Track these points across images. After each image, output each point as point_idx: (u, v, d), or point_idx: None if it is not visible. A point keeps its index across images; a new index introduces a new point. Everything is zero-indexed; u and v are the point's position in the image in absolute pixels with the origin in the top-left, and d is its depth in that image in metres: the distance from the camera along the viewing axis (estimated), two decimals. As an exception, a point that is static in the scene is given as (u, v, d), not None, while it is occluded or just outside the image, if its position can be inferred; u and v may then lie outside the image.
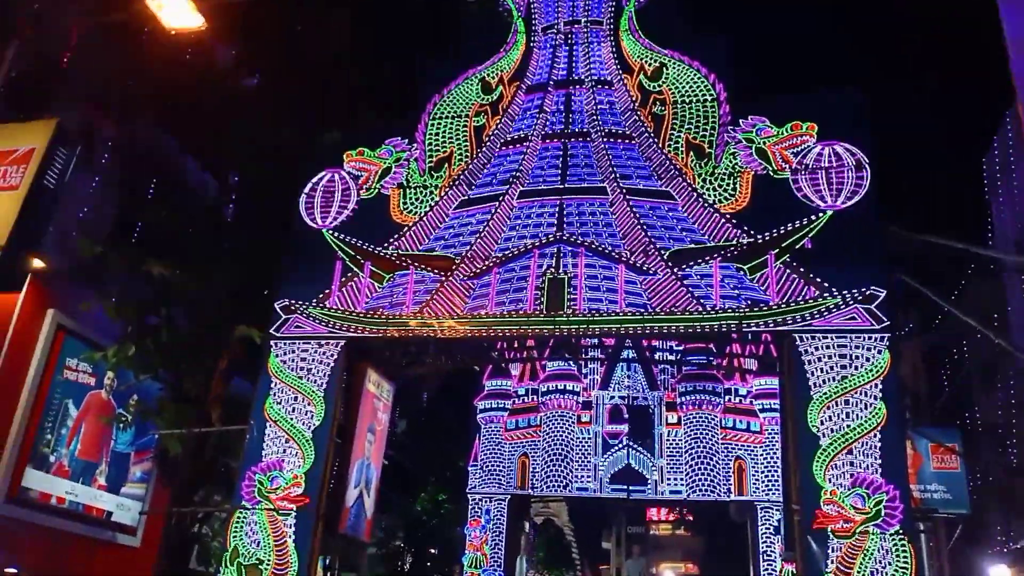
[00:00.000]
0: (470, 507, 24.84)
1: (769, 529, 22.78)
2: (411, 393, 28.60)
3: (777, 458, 22.91)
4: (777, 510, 22.68)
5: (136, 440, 17.45)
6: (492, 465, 25.10)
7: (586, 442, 24.24)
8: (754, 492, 23.08)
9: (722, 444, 23.55)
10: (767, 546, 22.82)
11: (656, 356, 22.31)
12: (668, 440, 23.83)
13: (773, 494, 22.64)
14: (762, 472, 23.19)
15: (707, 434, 23.48)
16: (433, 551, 30.24)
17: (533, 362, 23.78)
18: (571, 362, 24.13)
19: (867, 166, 13.36)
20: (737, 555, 29.44)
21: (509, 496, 24.81)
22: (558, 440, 24.16)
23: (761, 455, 23.39)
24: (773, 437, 23.07)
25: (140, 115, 16.90)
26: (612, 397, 24.62)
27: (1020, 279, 18.47)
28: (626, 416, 24.22)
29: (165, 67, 16.05)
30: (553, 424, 24.36)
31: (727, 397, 23.98)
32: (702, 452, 23.34)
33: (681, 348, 22.26)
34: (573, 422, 24.33)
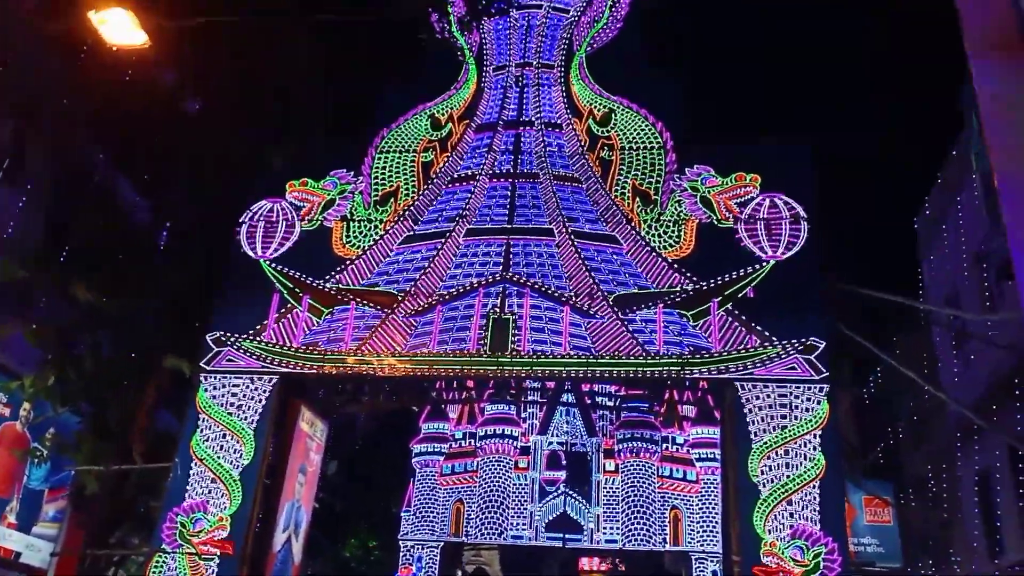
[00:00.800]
0: (401, 554, 24.07)
1: (704, 580, 22.59)
2: (344, 433, 27.81)
3: (713, 508, 22.86)
4: (712, 561, 22.53)
5: (51, 476, 16.38)
6: (426, 511, 24.42)
7: (523, 488, 23.83)
8: (689, 542, 22.92)
9: (659, 493, 23.39)
10: (701, 598, 22.60)
11: (596, 400, 22.18)
12: (605, 488, 23.59)
13: (709, 545, 22.52)
14: (698, 522, 23.07)
15: (644, 482, 23.30)
16: (361, 599, 29.21)
17: (472, 404, 23.40)
18: (511, 406, 23.82)
19: (805, 220, 13.63)
20: (670, 607, 29.19)
21: (442, 543, 24.14)
22: (495, 486, 23.68)
23: (697, 505, 23.29)
24: (709, 487, 23.03)
25: (74, 133, 16.21)
26: (551, 443, 24.32)
27: (948, 336, 18.95)
28: (564, 463, 23.92)
29: (104, 85, 15.48)
30: (490, 469, 23.89)
31: (664, 445, 23.90)
32: (639, 501, 23.13)
33: (621, 394, 22.22)
34: (510, 468, 23.90)
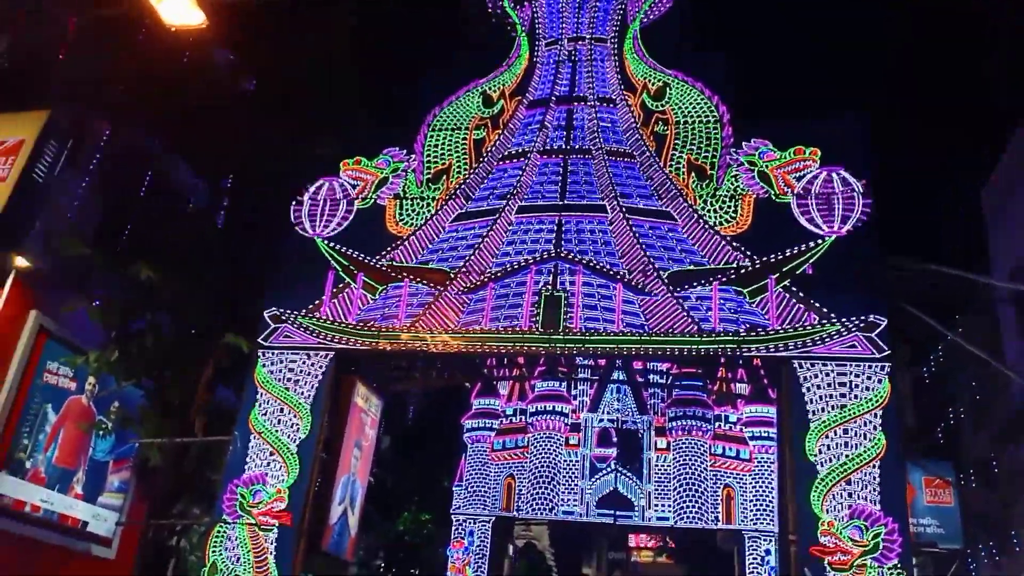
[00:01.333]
0: (453, 528, 24.34)
1: (756, 559, 22.41)
2: (397, 409, 28.15)
3: (766, 487, 22.63)
4: (765, 540, 22.34)
5: (115, 448, 16.94)
6: (478, 486, 24.63)
7: (573, 465, 23.85)
8: (742, 521, 22.73)
9: (711, 471, 23.21)
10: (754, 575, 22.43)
11: (648, 379, 22.05)
12: (656, 465, 23.49)
13: (761, 523, 22.32)
14: (751, 501, 22.85)
15: (696, 460, 23.13)
16: (414, 572, 29.67)
17: (524, 381, 23.45)
18: (561, 383, 23.82)
19: (869, 193, 13.25)
20: (720, 585, 29.06)
21: (494, 518, 24.34)
22: (545, 462, 23.75)
23: (750, 483, 23.06)
24: (763, 466, 22.80)
25: (133, 114, 16.55)
26: (601, 420, 24.27)
27: (1012, 312, 18.35)
28: (615, 440, 23.87)
29: (161, 66, 15.77)
30: (541, 445, 23.96)
31: (717, 424, 23.67)
32: (690, 479, 22.98)
33: (673, 372, 22.06)
34: (561, 444, 23.94)
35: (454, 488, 24.97)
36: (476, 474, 24.75)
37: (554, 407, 24.17)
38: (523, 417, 24.69)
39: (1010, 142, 18.52)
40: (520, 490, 24.05)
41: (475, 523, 24.38)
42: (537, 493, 23.46)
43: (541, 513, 23.81)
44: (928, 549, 14.94)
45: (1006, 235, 18.98)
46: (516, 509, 24.07)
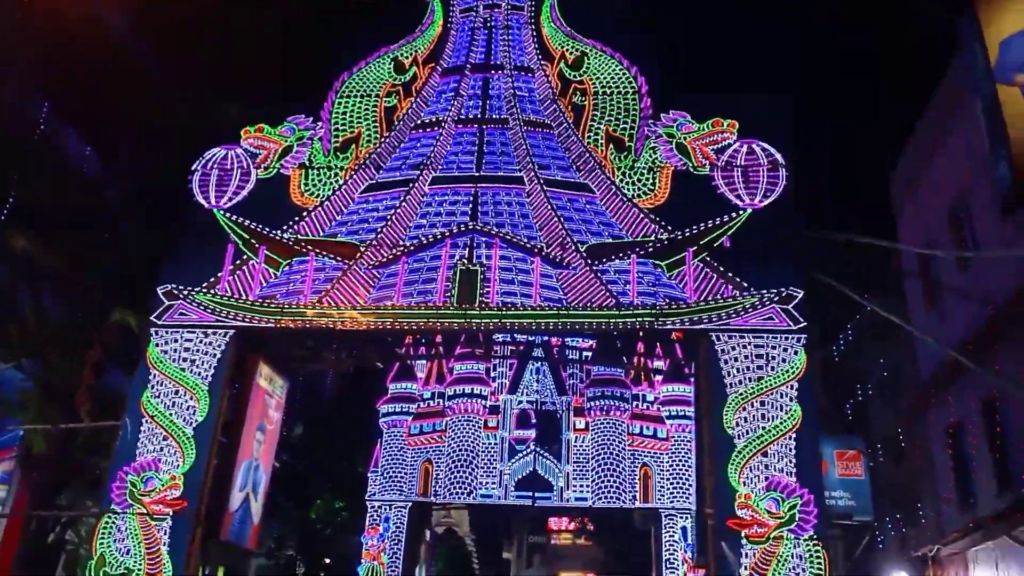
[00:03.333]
0: (368, 515, 23.65)
1: (673, 537, 22.51)
2: (309, 393, 27.22)
3: (683, 465, 22.73)
4: (682, 517, 22.45)
5: (-5, 437, 15.69)
6: (394, 471, 23.97)
7: (492, 448, 23.44)
8: (659, 499, 22.79)
9: (629, 451, 23.18)
10: (670, 554, 22.51)
11: (566, 356, 21.82)
12: (575, 446, 23.30)
13: (678, 501, 22.42)
14: (668, 479, 22.92)
15: (614, 440, 23.03)
16: (327, 561, 28.87)
17: (441, 362, 22.91)
18: (479, 364, 23.37)
19: (783, 166, 13.19)
20: (637, 564, 29.20)
21: (410, 503, 23.76)
22: (463, 445, 23.27)
23: (667, 462, 23.12)
24: (679, 444, 22.88)
25: (15, 81, 15.22)
26: (520, 401, 23.92)
27: (921, 290, 18.77)
28: (534, 421, 23.56)
29: (48, 30, 14.50)
30: (459, 429, 23.46)
31: (635, 403, 23.65)
32: (609, 459, 22.88)
33: (592, 351, 21.90)
34: (479, 427, 23.49)
35: (369, 474, 24.26)
36: (392, 459, 24.10)
37: (473, 389, 23.68)
38: (441, 400, 24.13)
39: (916, 125, 18.90)
40: (438, 474, 23.53)
41: (391, 509, 23.75)
42: (455, 477, 22.98)
43: (459, 497, 23.35)
44: (842, 521, 15.11)
45: (914, 216, 19.38)
46: (434, 494, 23.55)
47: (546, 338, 21.11)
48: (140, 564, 11.82)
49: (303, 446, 27.81)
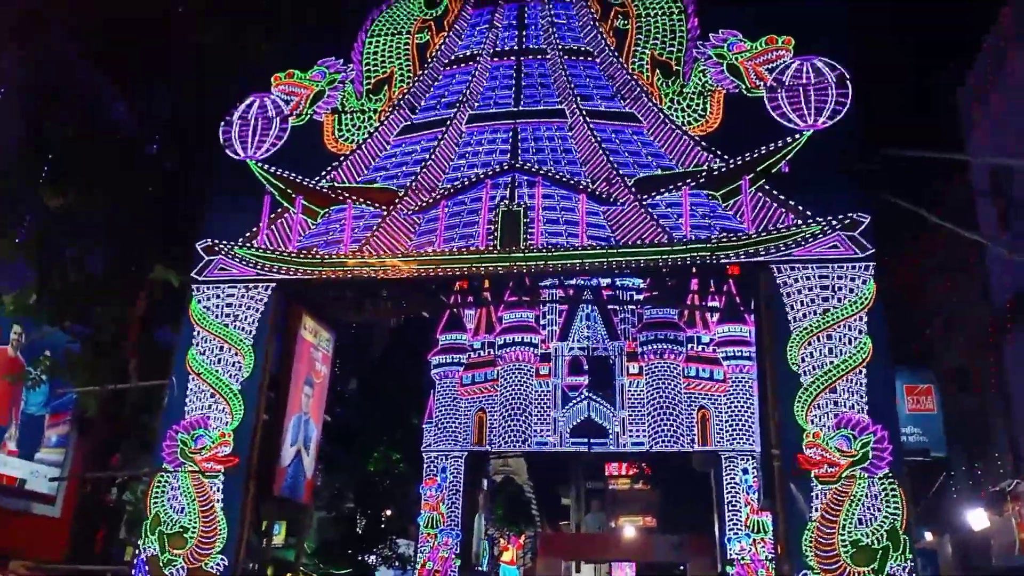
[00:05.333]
0: (425, 466, 23.69)
1: (735, 480, 22.05)
2: (360, 347, 27.21)
3: (743, 407, 22.18)
4: (742, 460, 21.96)
5: (50, 401, 15.78)
6: (448, 422, 23.93)
7: (545, 395, 23.17)
8: (718, 442, 22.30)
9: (685, 394, 22.65)
10: (732, 497, 22.09)
11: (618, 301, 21.23)
12: (629, 391, 22.87)
13: (738, 443, 21.91)
14: (726, 422, 22.39)
15: (669, 384, 22.53)
16: (387, 512, 29.16)
17: (489, 310, 22.55)
18: (529, 312, 22.96)
19: (849, 82, 12.22)
20: (696, 508, 28.90)
21: (466, 453, 23.71)
22: (516, 394, 23.03)
23: (725, 404, 22.57)
24: (737, 386, 22.31)
25: (49, 33, 14.83)
26: (571, 348, 23.51)
27: (995, 213, 17.65)
28: (586, 367, 23.15)
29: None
30: (510, 378, 23.21)
31: (689, 345, 23.05)
32: (664, 402, 22.41)
33: (643, 295, 21.32)
34: (531, 375, 23.20)
35: (424, 426, 24.25)
36: (446, 410, 24.04)
37: (523, 338, 23.37)
38: (491, 350, 23.90)
39: (985, 40, 17.58)
40: (492, 424, 23.41)
41: (447, 459, 23.76)
42: (509, 426, 22.79)
43: (514, 446, 23.20)
44: (914, 458, 14.37)
45: (985, 133, 18.14)
46: (488, 443, 23.46)
47: (596, 282, 20.61)
48: (195, 522, 11.75)
49: (357, 400, 27.89)
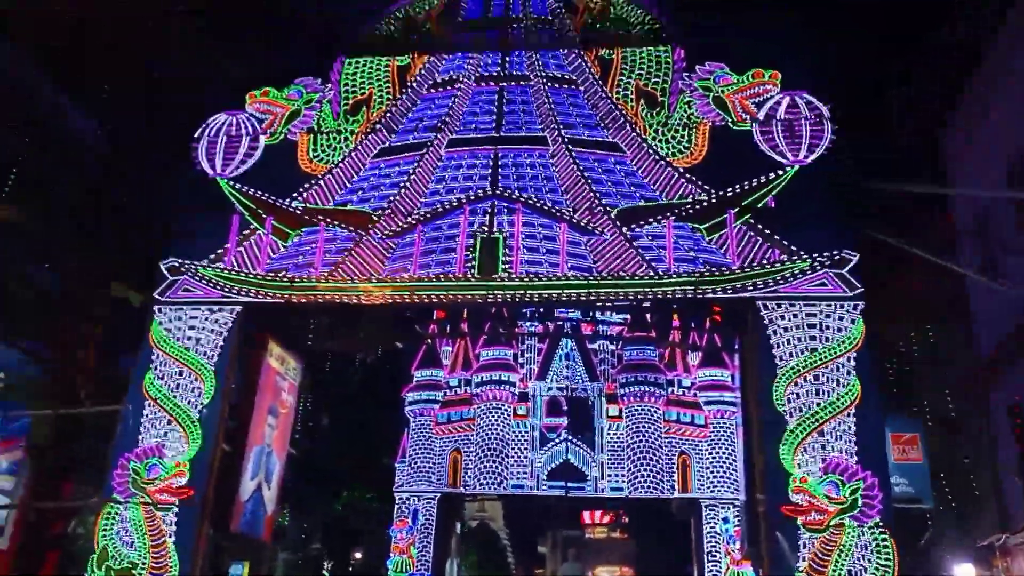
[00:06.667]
0: (397, 506, 22.83)
1: (715, 528, 21.40)
2: (332, 383, 26.50)
3: (724, 453, 21.63)
4: (723, 508, 21.32)
5: (3, 426, 15.00)
6: (421, 461, 23.12)
7: (523, 436, 22.48)
8: (699, 489, 21.67)
9: (665, 438, 22.06)
10: (712, 546, 21.41)
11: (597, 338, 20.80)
12: (609, 434, 22.23)
13: (720, 491, 21.30)
14: (707, 468, 21.78)
15: (650, 428, 21.93)
16: (357, 555, 28.15)
17: (466, 346, 22.01)
18: (507, 350, 22.45)
19: (834, 119, 12.02)
20: (676, 557, 28.13)
21: (439, 494, 22.90)
22: (493, 434, 22.33)
23: (706, 450, 21.97)
24: (719, 431, 21.77)
25: (9, 40, 14.26)
26: (550, 388, 22.94)
27: (977, 262, 17.48)
28: (565, 408, 22.56)
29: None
30: (488, 417, 22.53)
31: (670, 389, 22.53)
32: (644, 447, 21.78)
33: (624, 336, 20.93)
34: (509, 415, 22.53)
35: (397, 465, 23.45)
36: (420, 449, 23.24)
37: (500, 376, 22.73)
38: (468, 388, 23.23)
39: (968, 83, 17.58)
40: (467, 464, 22.64)
41: (420, 500, 22.91)
42: (485, 467, 22.08)
43: (490, 488, 22.44)
44: (907, 506, 13.85)
45: (965, 175, 18.06)
46: (463, 484, 22.67)
47: (575, 322, 20.19)
48: (145, 557, 11.04)
49: (328, 436, 27.10)
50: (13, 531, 15.00)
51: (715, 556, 21.12)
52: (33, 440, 14.19)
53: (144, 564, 10.99)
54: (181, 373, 11.88)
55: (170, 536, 11.14)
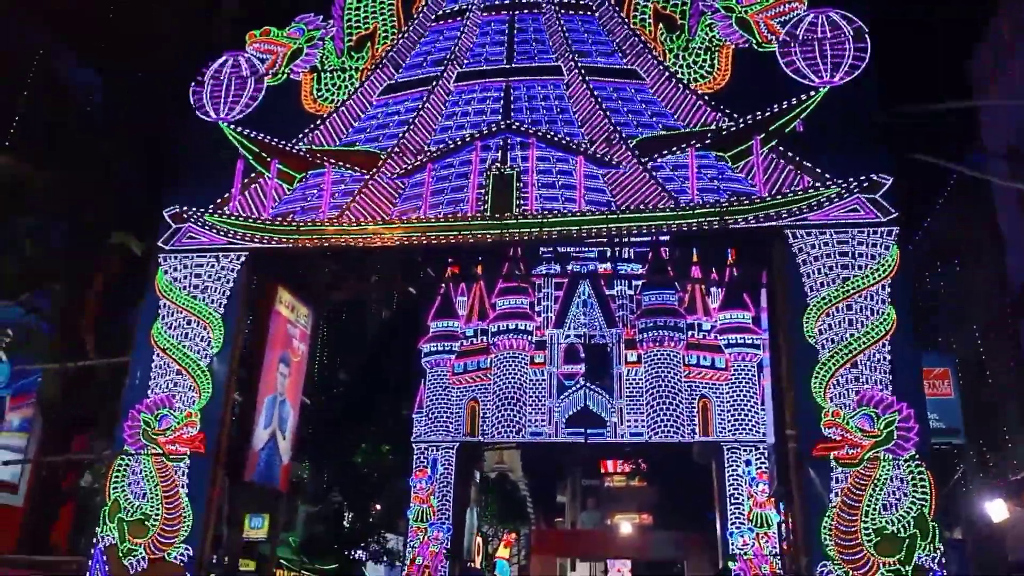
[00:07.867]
0: (415, 457, 22.74)
1: (737, 472, 21.15)
2: (348, 336, 26.29)
3: (745, 396, 21.31)
4: (745, 451, 21.06)
5: (12, 382, 14.81)
6: (439, 412, 22.99)
7: (540, 384, 22.25)
8: (720, 433, 21.40)
9: (685, 383, 21.74)
10: (734, 490, 21.19)
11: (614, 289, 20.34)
12: (628, 380, 21.94)
13: (741, 434, 21.02)
14: (728, 411, 21.49)
15: (669, 372, 21.61)
16: (376, 507, 28.22)
17: (482, 294, 21.65)
18: (523, 299, 22.06)
19: (867, 36, 11.30)
20: (696, 503, 28.03)
21: (458, 444, 22.76)
22: (510, 383, 22.11)
23: (727, 393, 21.66)
24: (740, 374, 21.42)
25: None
26: (567, 336, 22.59)
27: (1014, 195, 16.80)
28: (582, 355, 22.22)
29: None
30: (504, 366, 22.28)
31: (690, 333, 22.13)
32: (664, 392, 21.49)
33: (640, 279, 20.50)
34: (526, 363, 22.28)
35: (414, 416, 23.31)
36: (437, 400, 23.10)
37: (517, 325, 22.42)
38: (484, 337, 22.96)
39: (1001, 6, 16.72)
40: (484, 414, 22.47)
41: (438, 450, 22.82)
42: (503, 416, 21.88)
43: (508, 436, 22.27)
44: (945, 441, 13.48)
45: (993, 108, 17.27)
46: (481, 434, 22.52)
47: (594, 266, 19.73)
48: (158, 508, 10.82)
49: (345, 389, 26.97)
50: (27, 488, 14.93)
51: (737, 499, 20.96)
52: (44, 395, 13.99)
53: (157, 515, 10.80)
54: (189, 322, 11.55)
55: (183, 487, 10.90)
